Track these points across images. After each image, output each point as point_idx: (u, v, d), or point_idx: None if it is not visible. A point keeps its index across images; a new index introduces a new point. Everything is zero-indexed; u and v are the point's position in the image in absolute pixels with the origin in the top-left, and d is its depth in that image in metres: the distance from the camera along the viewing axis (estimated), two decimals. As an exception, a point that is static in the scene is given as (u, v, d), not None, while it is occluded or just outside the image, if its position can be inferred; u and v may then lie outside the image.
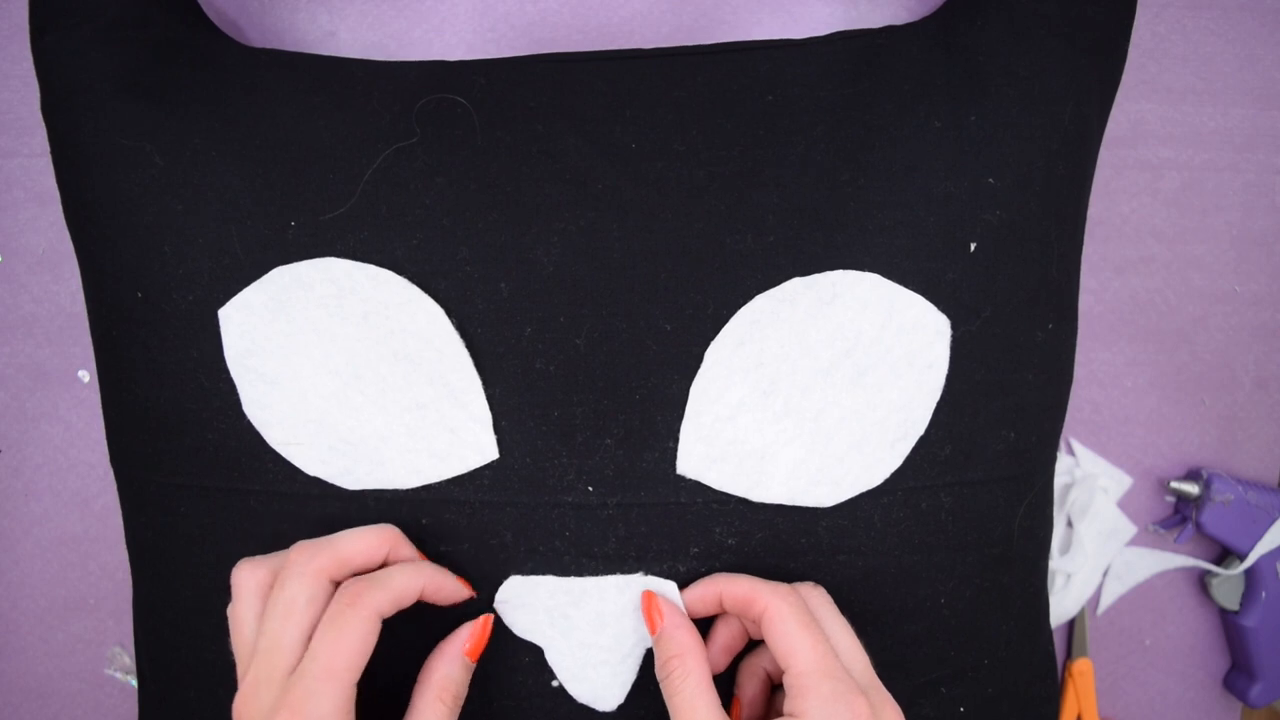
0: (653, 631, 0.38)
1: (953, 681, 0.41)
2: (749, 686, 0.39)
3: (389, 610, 0.36)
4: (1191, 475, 0.55)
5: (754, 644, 0.40)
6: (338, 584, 0.36)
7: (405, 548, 0.38)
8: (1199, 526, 0.54)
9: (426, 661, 0.38)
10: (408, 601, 0.37)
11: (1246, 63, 0.55)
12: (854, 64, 0.43)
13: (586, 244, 0.40)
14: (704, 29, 0.52)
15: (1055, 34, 0.42)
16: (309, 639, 0.34)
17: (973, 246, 0.40)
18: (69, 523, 0.53)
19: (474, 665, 0.38)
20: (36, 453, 0.53)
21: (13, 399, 0.53)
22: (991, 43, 0.42)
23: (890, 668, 0.40)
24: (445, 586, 0.38)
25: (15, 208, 0.52)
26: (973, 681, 0.42)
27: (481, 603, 0.39)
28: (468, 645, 0.38)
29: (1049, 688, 0.45)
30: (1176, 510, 0.56)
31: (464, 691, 0.37)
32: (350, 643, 0.34)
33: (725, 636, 0.39)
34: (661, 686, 0.37)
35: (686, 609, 0.39)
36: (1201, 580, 0.56)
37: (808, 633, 0.35)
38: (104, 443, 0.44)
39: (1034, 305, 0.41)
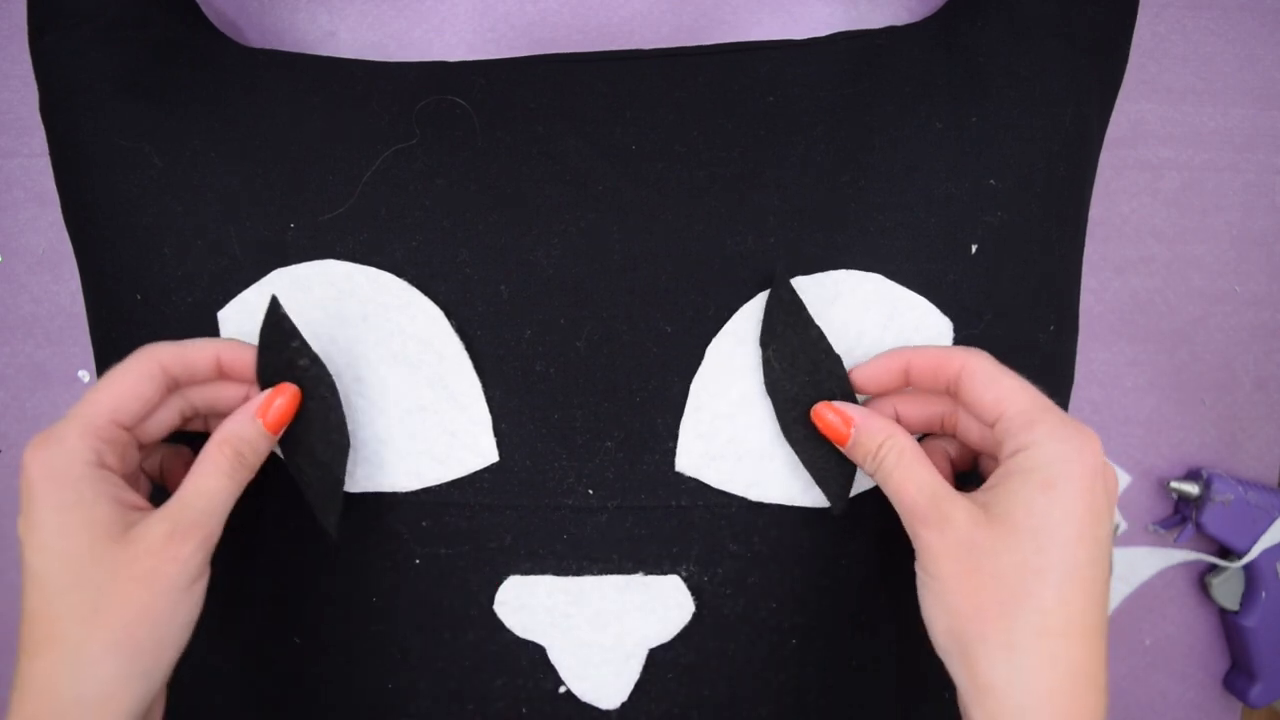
0: (844, 440, 0.37)
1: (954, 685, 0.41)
2: (933, 459, 0.38)
3: (172, 363, 0.35)
4: (1191, 475, 0.55)
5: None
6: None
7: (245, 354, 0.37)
8: (1199, 526, 0.54)
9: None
10: (201, 363, 0.36)
11: (1246, 63, 0.55)
12: (855, 65, 0.43)
13: (587, 245, 0.40)
14: (704, 29, 0.52)
15: (1056, 34, 0.42)
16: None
17: (974, 248, 0.40)
18: (69, 523, 0.53)
19: (273, 437, 0.36)
20: (36, 453, 0.53)
21: (13, 399, 0.53)
22: (992, 43, 0.42)
23: (894, 674, 0.40)
24: (246, 357, 0.37)
25: (15, 208, 0.52)
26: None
27: (479, 605, 0.39)
28: (259, 406, 0.36)
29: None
30: (1176, 510, 0.56)
31: (254, 455, 0.36)
32: (115, 379, 0.34)
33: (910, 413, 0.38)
34: (876, 476, 0.36)
35: (867, 384, 0.38)
36: (1201, 580, 0.56)
37: (1014, 379, 0.34)
38: (104, 443, 0.44)
39: (1035, 307, 0.41)
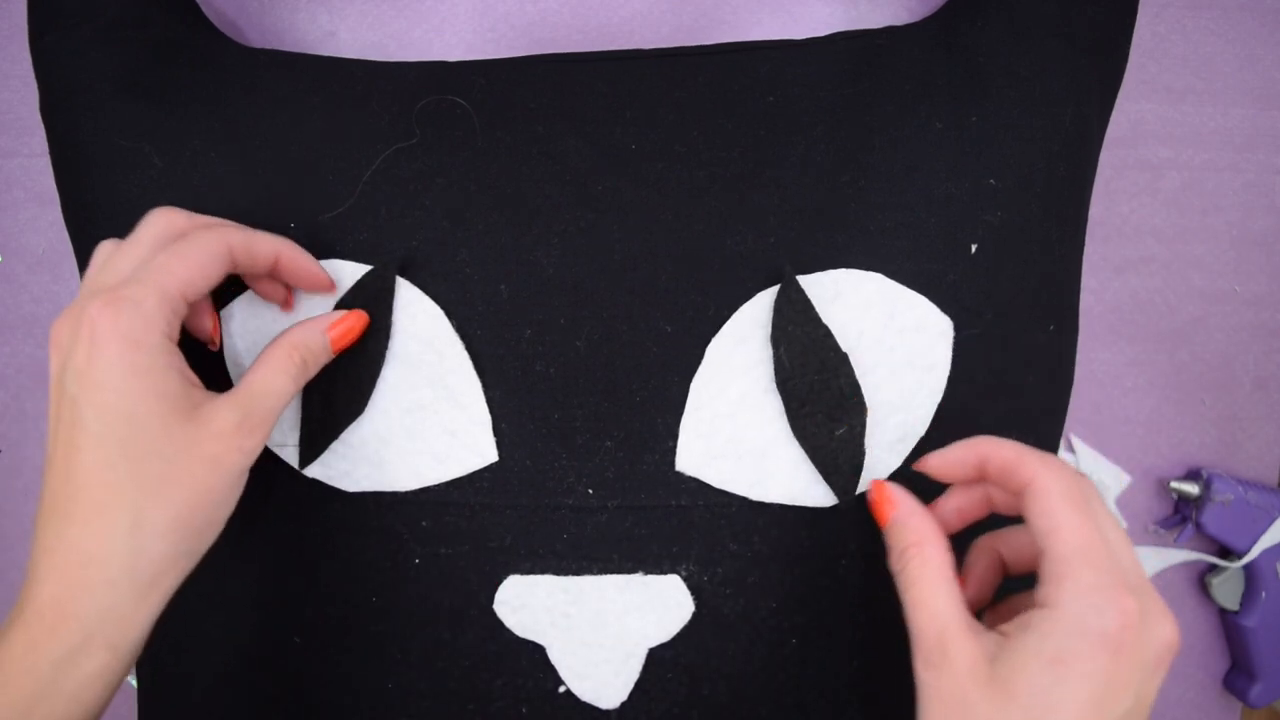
0: (883, 522, 0.35)
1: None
2: (979, 565, 0.36)
3: (240, 251, 0.35)
4: (1191, 475, 0.55)
5: (987, 527, 0.37)
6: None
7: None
8: (1199, 526, 0.54)
9: (289, 327, 0.37)
10: (262, 256, 0.36)
11: (1246, 63, 0.55)
12: (854, 64, 0.43)
13: (587, 245, 0.40)
14: (704, 29, 0.52)
15: (1056, 34, 0.42)
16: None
17: (974, 248, 0.40)
18: (69, 523, 0.53)
19: (333, 354, 0.38)
20: (36, 453, 0.53)
21: (13, 399, 0.53)
22: (992, 43, 0.42)
23: (894, 674, 0.40)
24: (302, 262, 0.38)
25: (15, 208, 0.52)
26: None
27: (479, 604, 0.39)
28: (332, 322, 0.37)
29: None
30: (1176, 510, 0.56)
31: (316, 365, 0.37)
32: (191, 254, 0.34)
33: (964, 500, 0.36)
34: (897, 579, 0.33)
35: (942, 471, 0.35)
36: (1201, 580, 0.56)
37: (1076, 512, 0.30)
38: (104, 443, 0.44)
39: (1035, 307, 0.41)
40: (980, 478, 0.35)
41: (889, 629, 0.40)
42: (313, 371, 0.37)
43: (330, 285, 0.39)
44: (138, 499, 0.31)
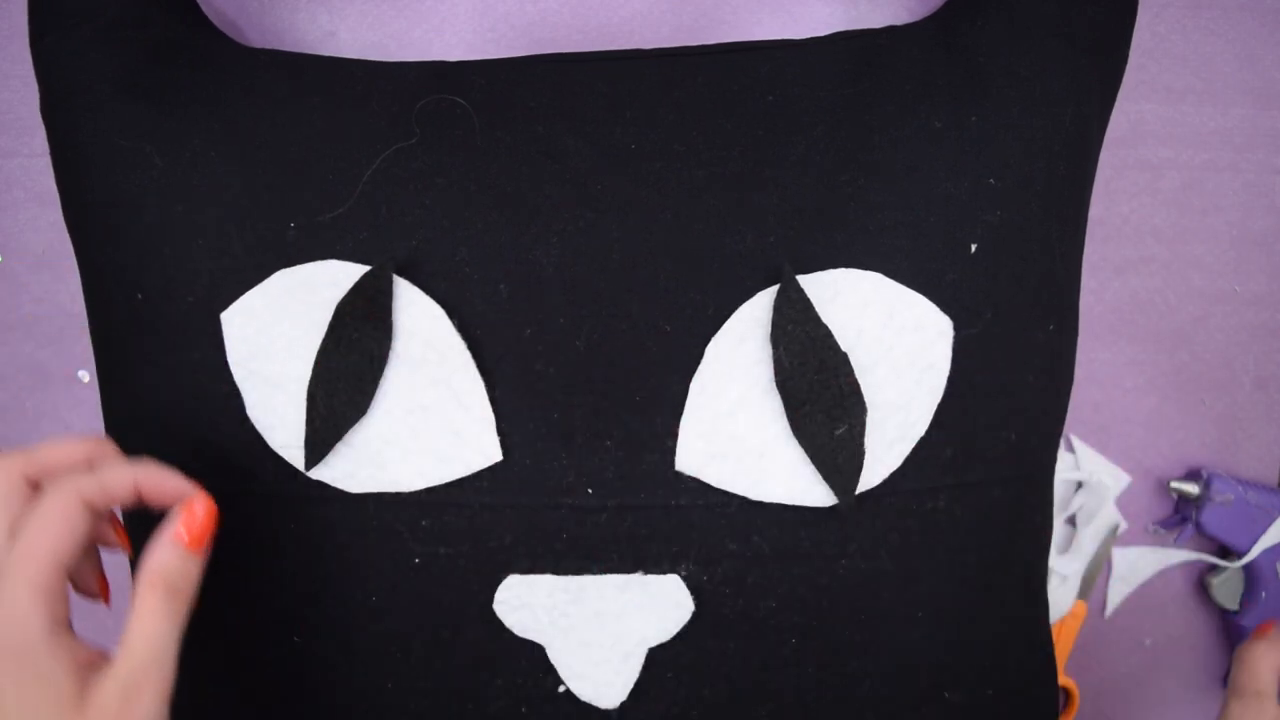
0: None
1: (954, 685, 0.41)
2: None
3: (98, 499, 0.33)
4: (1191, 475, 0.55)
5: None
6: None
7: (115, 456, 0.36)
8: (1199, 526, 0.54)
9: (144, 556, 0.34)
10: (120, 492, 0.34)
11: (1246, 63, 0.55)
12: (854, 64, 0.43)
13: (586, 245, 0.40)
14: (704, 29, 0.52)
15: (1056, 34, 0.42)
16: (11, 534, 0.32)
17: (973, 248, 0.40)
18: (69, 523, 0.53)
19: (199, 555, 0.34)
20: (36, 453, 0.53)
21: (13, 399, 0.53)
22: (992, 43, 0.42)
23: (893, 674, 0.40)
24: (165, 483, 0.35)
25: (15, 208, 0.52)
26: (974, 684, 0.42)
27: (478, 604, 0.39)
28: (178, 529, 0.34)
29: (1049, 689, 0.45)
30: (1176, 510, 0.56)
31: (188, 582, 0.34)
32: (52, 526, 0.31)
33: None
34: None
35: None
36: (1201, 581, 0.56)
37: None
38: (104, 443, 0.44)
39: (1035, 307, 0.41)
40: None
41: (889, 629, 0.41)
42: (190, 590, 0.34)
43: (194, 490, 0.36)
44: None
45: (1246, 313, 0.55)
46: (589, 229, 0.40)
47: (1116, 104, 0.46)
